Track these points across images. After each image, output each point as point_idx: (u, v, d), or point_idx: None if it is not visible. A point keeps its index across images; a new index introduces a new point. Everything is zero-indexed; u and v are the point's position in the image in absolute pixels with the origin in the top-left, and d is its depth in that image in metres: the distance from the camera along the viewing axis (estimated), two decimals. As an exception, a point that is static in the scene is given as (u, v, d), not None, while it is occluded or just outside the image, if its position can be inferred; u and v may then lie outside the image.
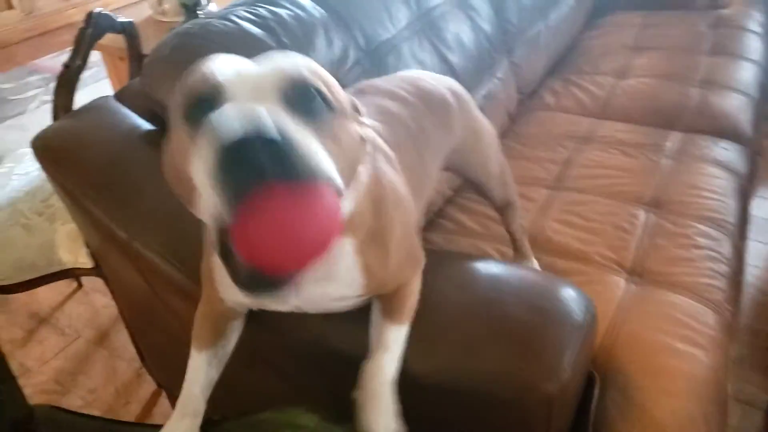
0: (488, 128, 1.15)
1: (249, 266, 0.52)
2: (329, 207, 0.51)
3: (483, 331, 0.79)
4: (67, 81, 1.31)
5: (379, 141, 0.82)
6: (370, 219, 0.70)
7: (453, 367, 0.78)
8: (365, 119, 0.67)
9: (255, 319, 0.84)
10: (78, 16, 3.74)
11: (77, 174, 1.02)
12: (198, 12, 1.96)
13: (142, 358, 1.53)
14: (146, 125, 1.09)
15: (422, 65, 1.45)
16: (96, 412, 1.53)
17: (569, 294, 0.84)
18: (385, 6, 1.43)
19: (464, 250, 1.29)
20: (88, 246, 1.32)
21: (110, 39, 1.43)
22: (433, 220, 1.40)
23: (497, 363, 0.76)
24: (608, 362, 1.01)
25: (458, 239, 1.33)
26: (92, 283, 1.83)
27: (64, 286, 1.88)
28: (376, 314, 0.77)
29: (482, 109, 1.20)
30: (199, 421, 0.74)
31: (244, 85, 0.54)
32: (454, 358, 0.78)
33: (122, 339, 1.67)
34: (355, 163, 0.61)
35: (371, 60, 1.34)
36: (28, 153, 1.55)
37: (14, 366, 1.64)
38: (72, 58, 1.32)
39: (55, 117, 1.32)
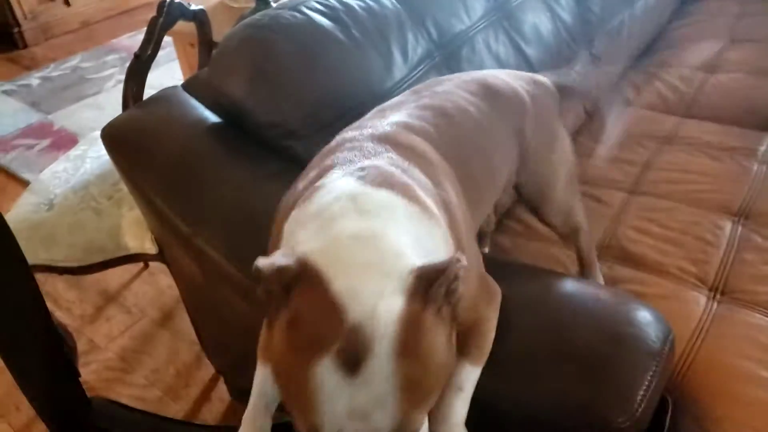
0: (565, 144, 1.06)
1: None
2: None
3: (552, 356, 0.75)
4: (138, 71, 1.32)
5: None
6: None
7: (517, 392, 0.74)
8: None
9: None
10: (156, -4, 3.80)
11: (143, 166, 1.03)
12: (269, -1, 1.94)
13: (202, 343, 1.56)
14: (213, 117, 1.09)
15: (496, 58, 1.39)
16: (157, 392, 1.57)
17: (645, 318, 0.78)
18: (461, -5, 1.37)
19: (532, 254, 1.24)
20: (152, 232, 1.34)
21: (181, 25, 1.44)
22: (501, 221, 1.35)
23: (566, 391, 0.72)
24: (682, 386, 0.94)
25: (526, 243, 1.27)
26: (157, 264, 1.87)
27: (131, 265, 1.92)
28: None
29: (559, 103, 1.13)
30: None
31: None
32: (519, 384, 0.74)
33: (184, 321, 1.70)
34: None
35: (443, 53, 1.30)
36: (100, 135, 1.59)
37: (84, 342, 1.72)
38: (143, 48, 1.33)
39: (125, 106, 1.34)
